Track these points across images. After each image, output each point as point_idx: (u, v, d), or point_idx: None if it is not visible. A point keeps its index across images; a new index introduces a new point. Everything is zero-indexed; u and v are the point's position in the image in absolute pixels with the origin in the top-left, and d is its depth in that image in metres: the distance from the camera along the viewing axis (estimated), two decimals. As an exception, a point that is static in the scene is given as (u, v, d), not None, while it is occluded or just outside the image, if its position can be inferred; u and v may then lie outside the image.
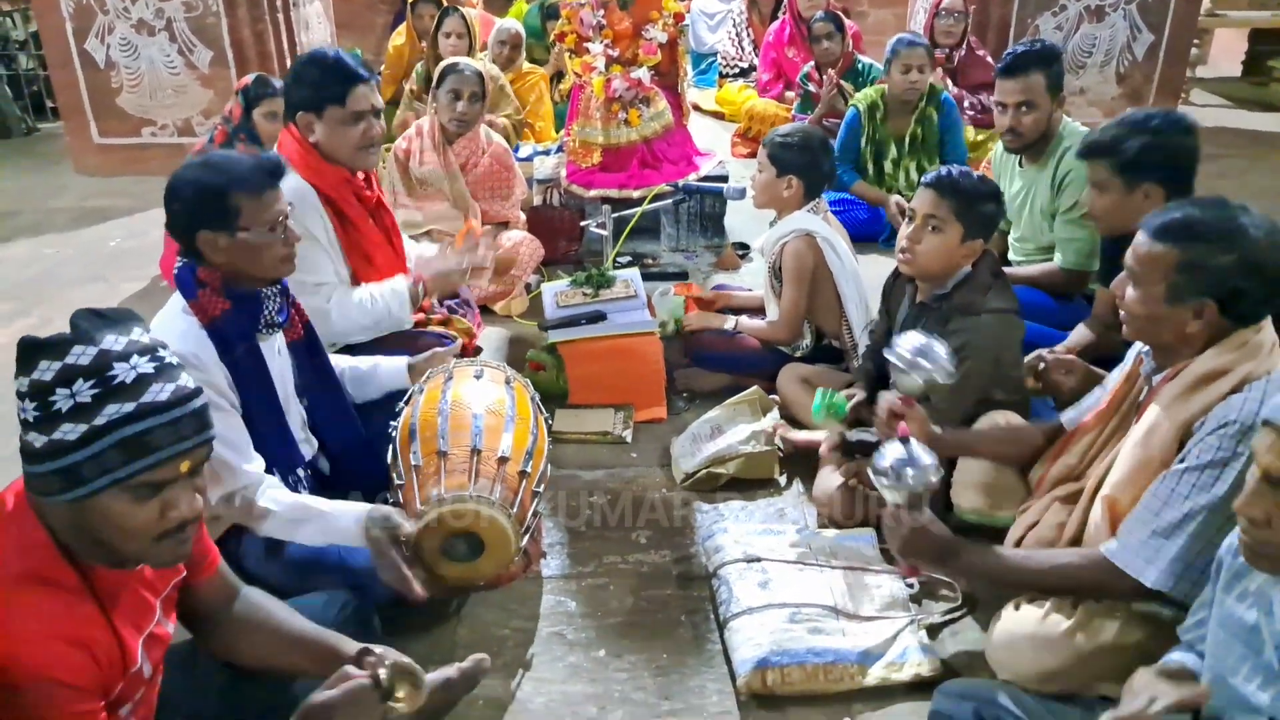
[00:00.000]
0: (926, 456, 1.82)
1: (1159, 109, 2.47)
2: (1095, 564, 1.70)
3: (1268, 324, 1.72)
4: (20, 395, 1.23)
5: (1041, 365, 2.39)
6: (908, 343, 2.06)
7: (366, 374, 2.39)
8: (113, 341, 1.25)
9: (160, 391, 1.25)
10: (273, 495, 1.92)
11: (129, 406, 1.22)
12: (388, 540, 1.85)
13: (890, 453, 1.83)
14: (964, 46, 4.93)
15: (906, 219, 2.41)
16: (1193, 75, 6.81)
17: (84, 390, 1.21)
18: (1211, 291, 1.67)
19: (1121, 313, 1.83)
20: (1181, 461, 1.64)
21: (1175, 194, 2.26)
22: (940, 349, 2.03)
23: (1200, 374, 1.69)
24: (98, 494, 1.22)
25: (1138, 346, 1.93)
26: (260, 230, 1.91)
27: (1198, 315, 1.69)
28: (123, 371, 1.23)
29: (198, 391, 1.31)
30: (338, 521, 1.91)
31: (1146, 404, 1.79)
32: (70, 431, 1.20)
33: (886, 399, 2.19)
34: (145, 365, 1.26)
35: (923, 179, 2.41)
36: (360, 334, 2.59)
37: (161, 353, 1.30)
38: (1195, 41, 6.01)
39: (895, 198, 4.24)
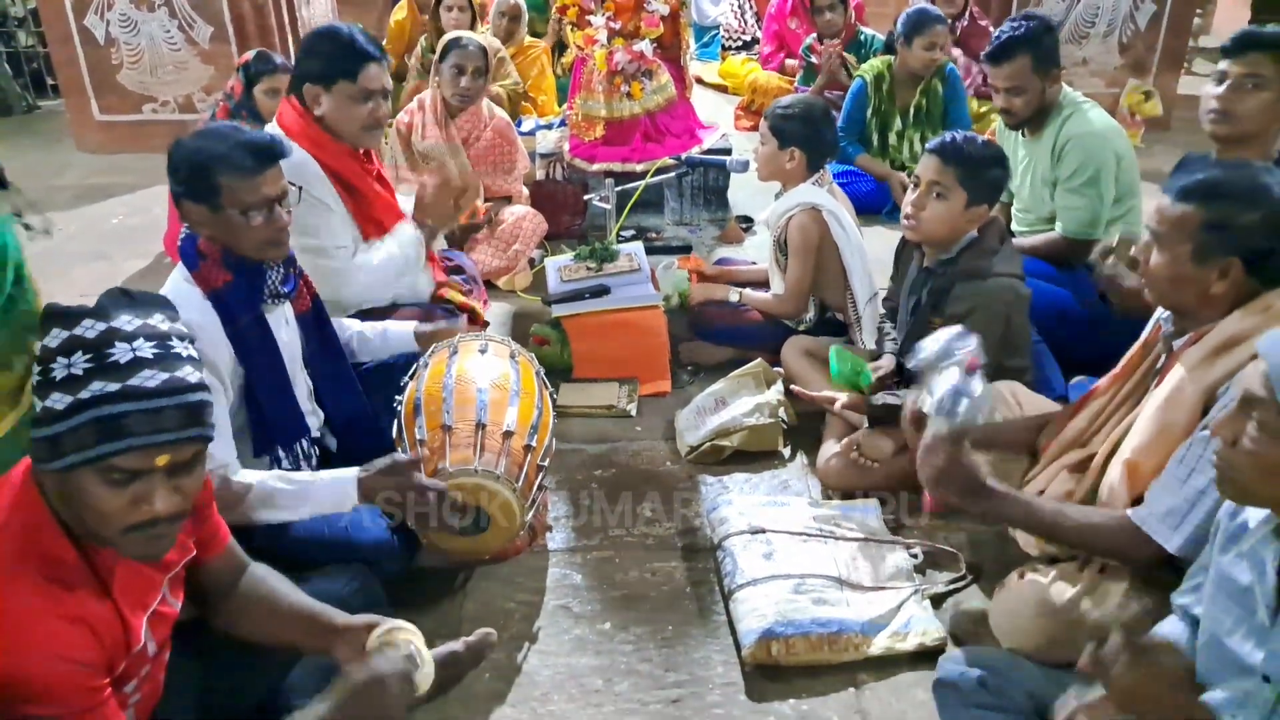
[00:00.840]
0: (982, 388, 1.76)
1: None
2: (1121, 526, 1.70)
3: None
4: (32, 358, 1.25)
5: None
6: (944, 384, 1.79)
7: (375, 337, 2.41)
8: (125, 321, 1.25)
9: (151, 378, 1.23)
10: (246, 472, 1.89)
11: (113, 386, 1.20)
12: (411, 477, 1.84)
13: (946, 379, 1.77)
14: (966, 16, 4.89)
15: (911, 186, 2.41)
16: (1195, 45, 6.75)
17: (79, 362, 1.21)
18: (1237, 250, 1.66)
19: (1143, 278, 1.81)
20: (1206, 428, 1.63)
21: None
22: (978, 387, 1.80)
23: (1224, 338, 1.68)
24: (73, 469, 1.21)
25: (1157, 312, 1.91)
26: (238, 210, 1.87)
27: (1223, 275, 1.68)
28: (121, 351, 1.22)
29: (196, 387, 1.28)
30: (324, 490, 1.87)
31: (1167, 369, 1.78)
32: (58, 401, 1.20)
33: (911, 404, 2.11)
34: (146, 349, 1.24)
35: (927, 145, 2.40)
36: (384, 289, 2.62)
37: (173, 342, 1.28)
38: (1198, 11, 5.96)
39: (900, 175, 4.22)
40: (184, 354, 1.29)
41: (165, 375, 1.24)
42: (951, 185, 2.30)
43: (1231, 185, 1.67)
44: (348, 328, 2.40)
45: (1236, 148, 2.39)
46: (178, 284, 1.91)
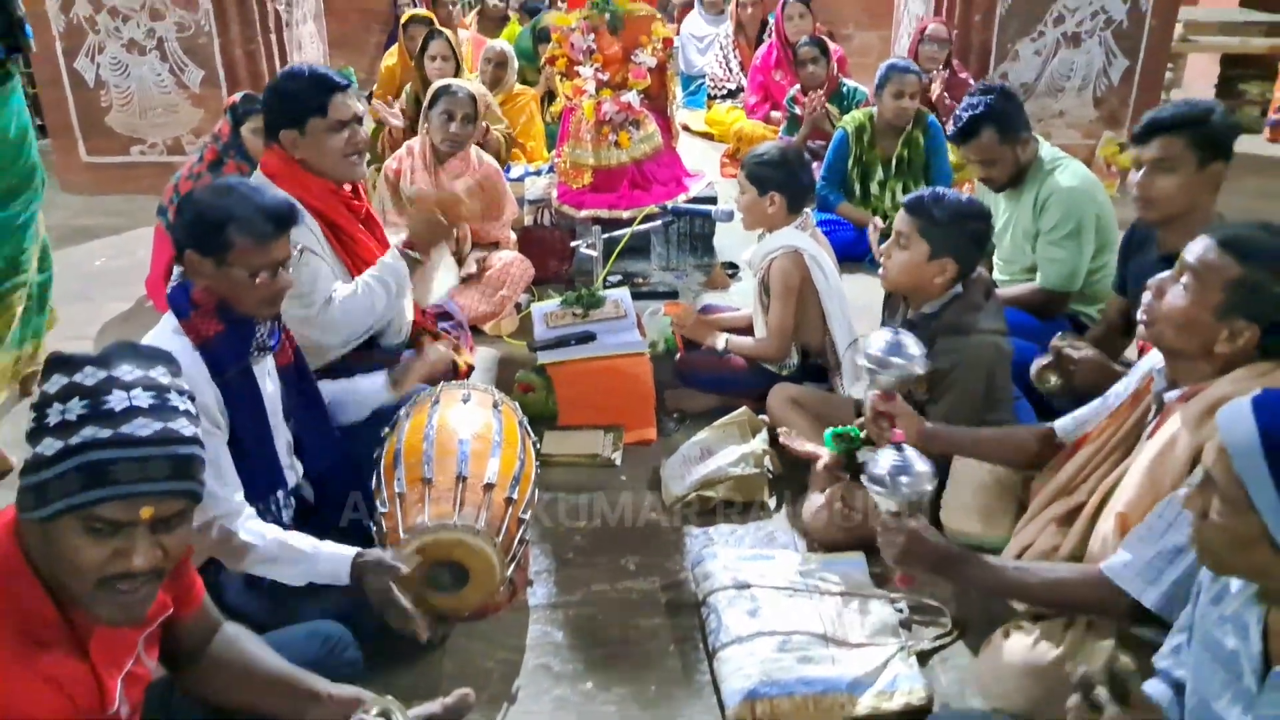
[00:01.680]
0: (921, 463, 1.80)
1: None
2: (1094, 581, 1.68)
3: None
4: (32, 405, 1.24)
5: (1057, 352, 2.37)
6: (877, 341, 2.06)
7: (345, 395, 2.37)
8: (126, 371, 1.25)
9: (143, 426, 1.22)
10: (254, 528, 1.90)
11: (104, 432, 1.19)
12: (388, 584, 1.84)
13: (884, 460, 1.81)
14: (947, 69, 4.98)
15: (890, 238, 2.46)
16: (1167, 98, 6.89)
17: (75, 408, 1.20)
18: (1260, 318, 1.65)
19: (1144, 313, 1.80)
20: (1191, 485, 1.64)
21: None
22: (910, 342, 2.04)
23: (1220, 398, 1.65)
24: (57, 518, 1.19)
25: (1148, 364, 1.91)
26: (245, 271, 1.88)
27: (1233, 337, 1.67)
28: (117, 399, 1.22)
29: (189, 440, 1.27)
30: (323, 564, 1.89)
31: (1160, 423, 1.77)
32: (48, 447, 1.19)
33: (870, 399, 2.17)
34: (143, 399, 1.23)
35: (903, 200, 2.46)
36: (367, 320, 2.54)
37: (171, 395, 1.28)
38: (1170, 66, 6.09)
39: (874, 219, 4.26)
40: (180, 407, 1.28)
41: (159, 425, 1.23)
42: (912, 235, 2.36)
43: (1273, 251, 1.65)
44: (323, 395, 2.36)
45: (1174, 228, 2.38)
46: (166, 333, 1.90)
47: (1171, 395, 1.77)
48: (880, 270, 2.47)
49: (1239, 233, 1.69)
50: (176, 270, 1.97)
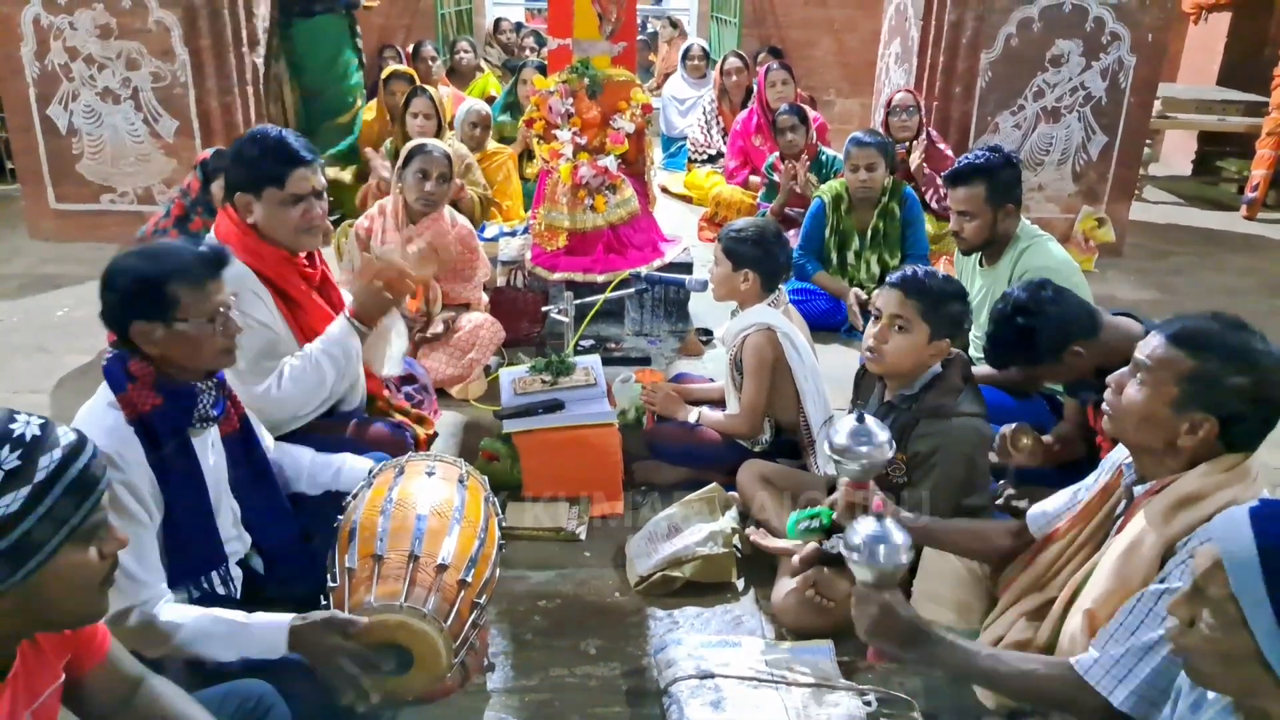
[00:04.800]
0: (899, 534, 1.72)
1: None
2: (1064, 676, 1.62)
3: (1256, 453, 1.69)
4: None
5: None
6: (843, 428, 1.96)
7: (327, 476, 2.28)
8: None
9: (65, 433, 1.24)
10: (176, 610, 1.79)
11: (56, 453, 1.19)
12: (338, 643, 1.72)
13: (862, 528, 1.73)
14: (924, 137, 5.01)
15: (873, 318, 2.39)
16: (1145, 173, 7.00)
17: (9, 458, 1.17)
18: (1216, 410, 1.64)
19: (1106, 409, 1.79)
20: (1162, 580, 1.58)
21: None
22: (875, 427, 1.95)
23: (1186, 493, 1.65)
24: (54, 556, 1.17)
25: (1116, 458, 1.88)
26: (199, 321, 1.84)
27: (1193, 430, 1.66)
28: (21, 425, 1.21)
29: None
30: (257, 634, 1.77)
31: (1128, 517, 1.74)
32: (11, 502, 1.14)
33: (842, 488, 2.10)
34: (32, 426, 1.22)
35: (888, 279, 2.40)
36: (319, 395, 2.44)
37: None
38: (1147, 141, 6.19)
39: (854, 290, 4.25)
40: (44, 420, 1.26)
41: (59, 429, 1.24)
42: (913, 319, 2.29)
43: (1226, 343, 1.65)
44: (299, 459, 2.28)
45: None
46: (100, 408, 1.82)
47: (1140, 489, 1.75)
48: (870, 355, 2.37)
49: (1190, 326, 1.70)
50: (108, 345, 1.89)
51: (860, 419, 1.96)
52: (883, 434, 1.95)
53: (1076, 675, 1.60)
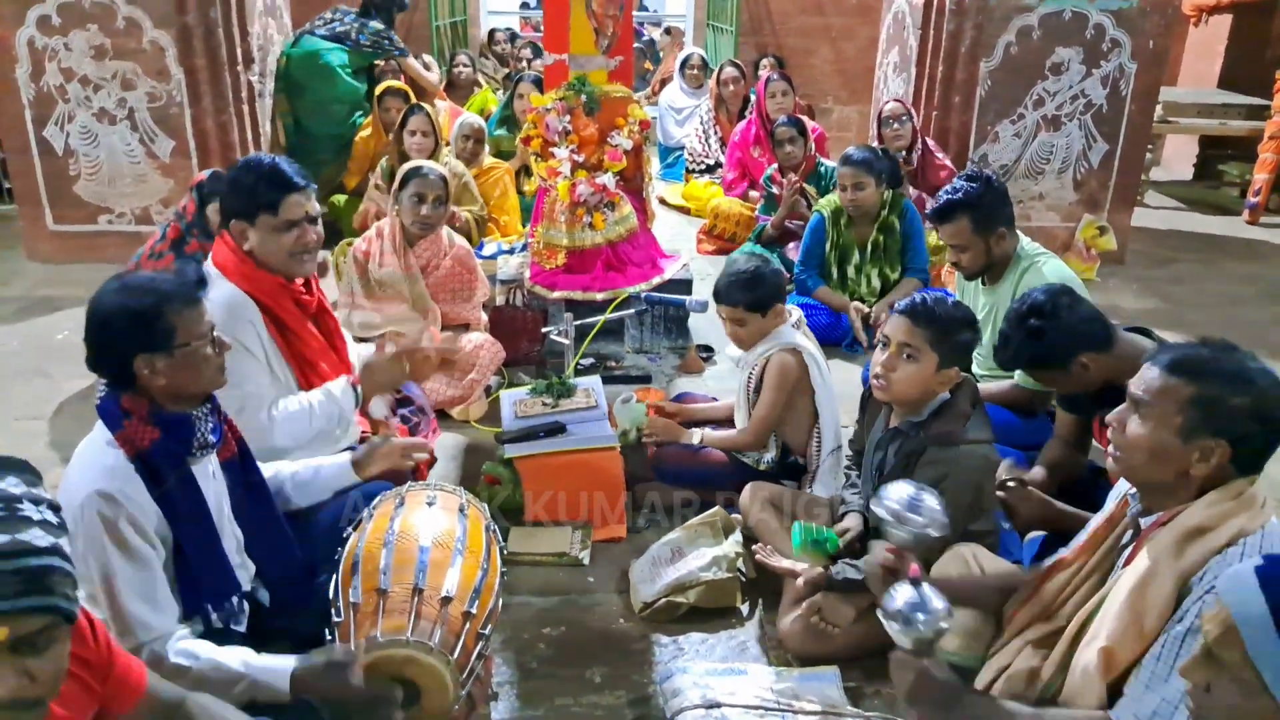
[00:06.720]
0: (938, 600, 1.71)
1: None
2: None
3: (1259, 478, 1.67)
4: None
5: (1007, 485, 2.36)
6: (896, 494, 1.89)
7: (310, 478, 2.28)
8: None
9: None
10: (186, 648, 1.78)
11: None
12: (344, 682, 1.71)
13: (900, 595, 1.72)
14: (920, 147, 4.99)
15: (880, 345, 2.37)
16: (1146, 178, 6.98)
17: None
18: (1226, 433, 1.61)
19: (1112, 449, 1.76)
20: (1180, 621, 1.57)
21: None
22: (932, 500, 1.89)
23: (1194, 525, 1.63)
24: None
25: (1121, 488, 1.86)
26: (199, 344, 1.86)
27: (1205, 457, 1.63)
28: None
29: (44, 551, 1.18)
30: (263, 676, 1.76)
31: (1136, 549, 1.72)
32: None
33: (878, 552, 2.08)
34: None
35: (897, 306, 2.37)
36: (304, 443, 2.45)
37: (23, 505, 1.19)
38: (1149, 147, 6.17)
39: (855, 304, 4.23)
40: (35, 517, 1.19)
41: (4, 537, 1.14)
42: (922, 347, 2.27)
43: (1220, 366, 1.64)
44: (280, 474, 2.27)
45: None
46: (99, 449, 1.81)
47: (1147, 520, 1.73)
48: (878, 383, 2.34)
49: (1182, 353, 1.68)
50: (100, 383, 1.88)
51: (919, 487, 1.91)
52: (938, 509, 1.88)
53: None
